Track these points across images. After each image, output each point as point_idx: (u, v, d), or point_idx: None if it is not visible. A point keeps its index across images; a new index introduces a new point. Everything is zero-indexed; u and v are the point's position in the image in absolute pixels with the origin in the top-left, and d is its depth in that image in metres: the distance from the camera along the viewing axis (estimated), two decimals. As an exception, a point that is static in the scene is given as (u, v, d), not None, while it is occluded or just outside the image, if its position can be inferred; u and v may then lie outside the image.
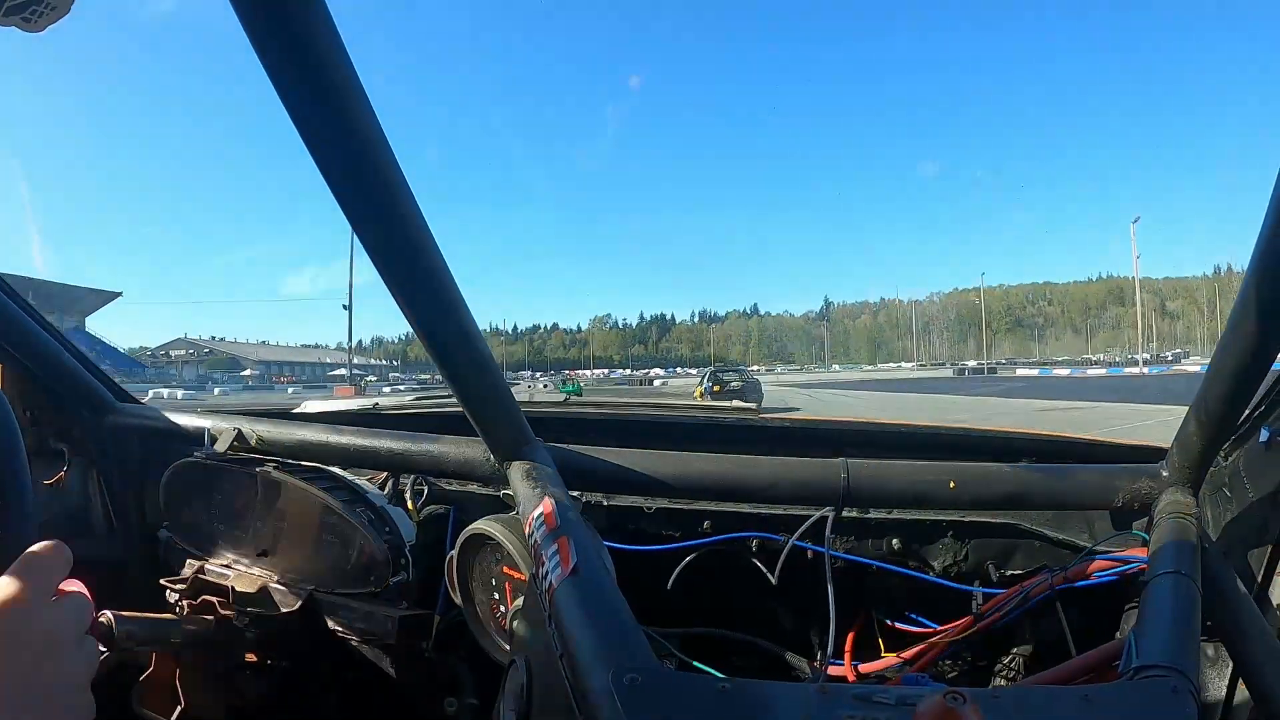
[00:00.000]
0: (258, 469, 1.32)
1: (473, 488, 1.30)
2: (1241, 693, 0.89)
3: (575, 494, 0.99)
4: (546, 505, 0.88)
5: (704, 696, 0.60)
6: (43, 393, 1.54)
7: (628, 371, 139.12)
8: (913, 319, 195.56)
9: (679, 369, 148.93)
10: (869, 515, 1.17)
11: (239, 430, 1.33)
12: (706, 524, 1.19)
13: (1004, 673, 1.12)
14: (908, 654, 1.11)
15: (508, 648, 1.09)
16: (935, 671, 1.07)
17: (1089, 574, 1.00)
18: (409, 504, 1.31)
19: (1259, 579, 0.99)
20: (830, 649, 0.93)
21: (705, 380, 28.93)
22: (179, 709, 1.36)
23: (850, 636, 1.16)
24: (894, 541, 1.18)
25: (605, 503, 1.21)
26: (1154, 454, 1.10)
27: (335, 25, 0.60)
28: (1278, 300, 0.72)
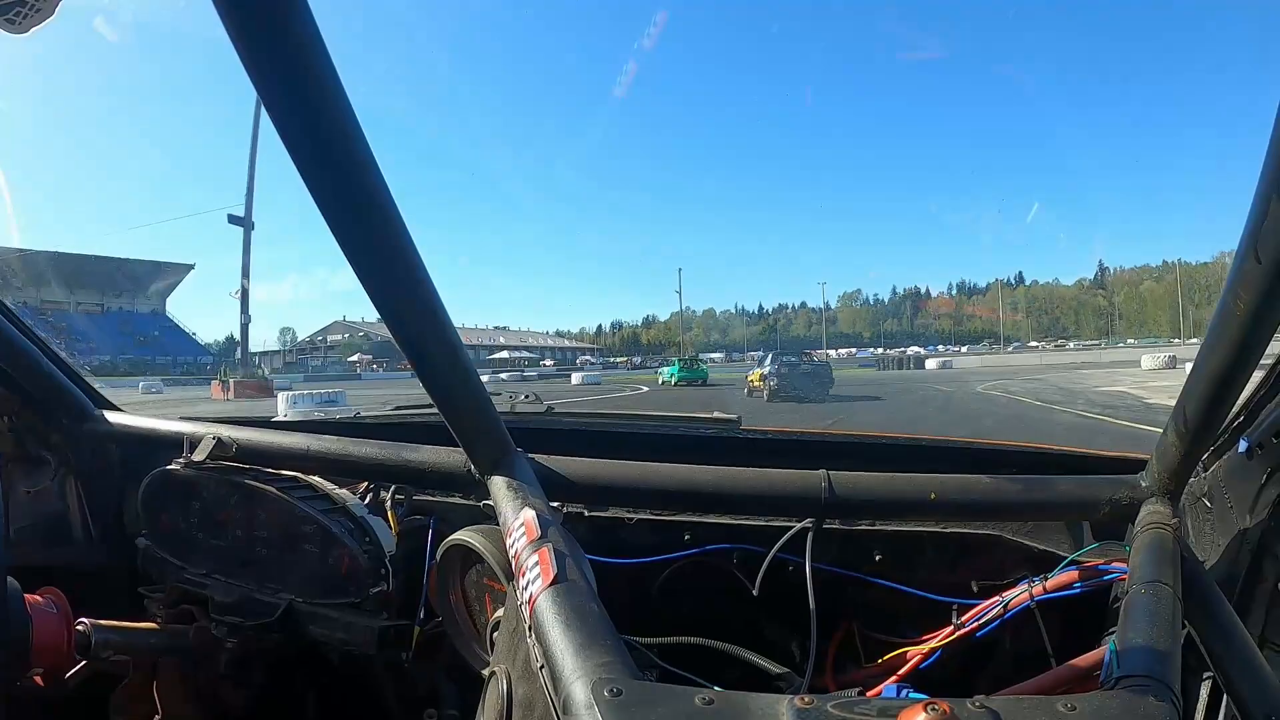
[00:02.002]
0: (237, 478, 1.31)
1: (453, 498, 1.29)
2: (1222, 702, 0.90)
3: (556, 505, 0.99)
4: (527, 516, 0.87)
5: (685, 707, 0.60)
6: (22, 399, 1.52)
7: (879, 350, 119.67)
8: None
9: (940, 347, 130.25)
10: (850, 527, 1.17)
11: (218, 438, 1.31)
12: (688, 536, 1.18)
13: (984, 683, 1.12)
14: (888, 664, 1.11)
15: (488, 659, 1.08)
16: (916, 682, 1.06)
17: (1069, 584, 1.00)
18: (389, 514, 1.29)
19: (1238, 589, 1.00)
20: (811, 660, 0.93)
21: (767, 364, 26.04)
22: (156, 718, 1.34)
23: (831, 647, 1.16)
24: (875, 553, 1.18)
25: (586, 514, 1.21)
26: (1134, 465, 1.11)
27: (319, 30, 0.60)
28: (1255, 311, 0.73)
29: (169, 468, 1.36)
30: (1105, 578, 0.98)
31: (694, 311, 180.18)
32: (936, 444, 1.39)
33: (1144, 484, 1.03)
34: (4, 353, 1.43)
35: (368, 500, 1.31)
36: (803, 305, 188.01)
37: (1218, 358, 0.81)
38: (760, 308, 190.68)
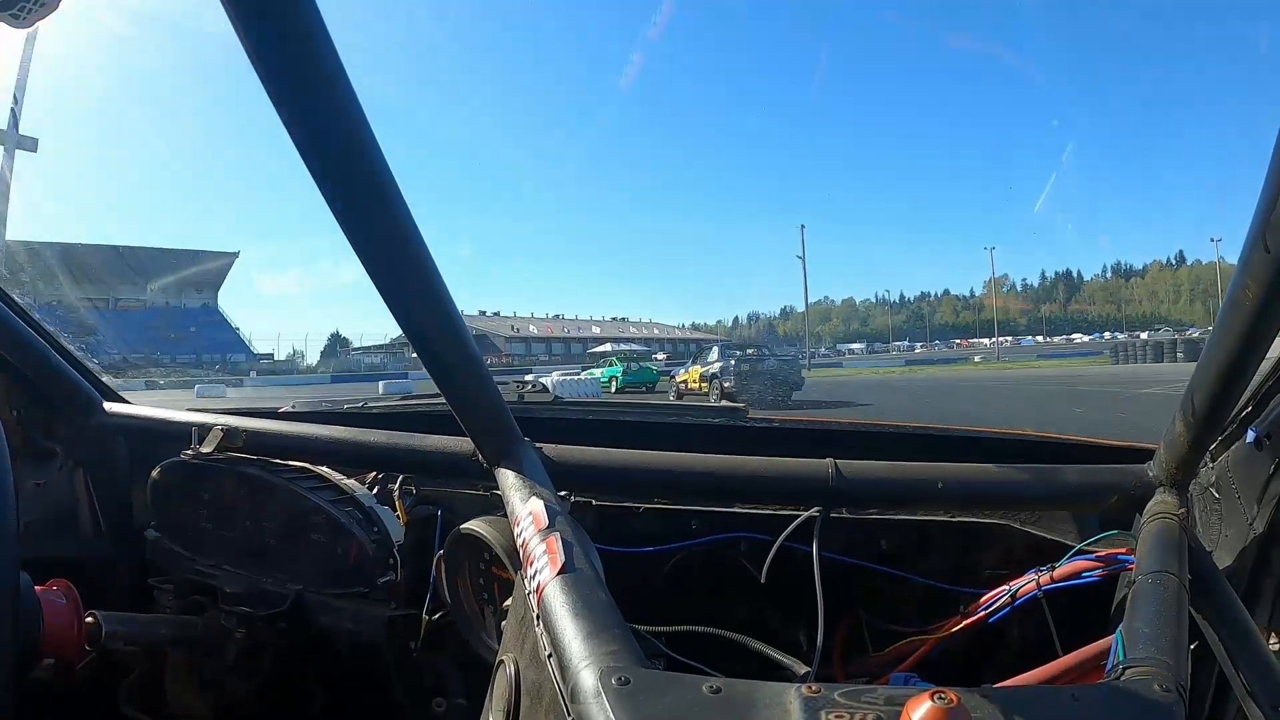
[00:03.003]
0: (245, 469, 1.31)
1: (461, 488, 1.29)
2: (1228, 691, 0.90)
3: (563, 494, 0.99)
4: (535, 505, 0.88)
5: (692, 696, 0.60)
6: (30, 392, 1.53)
7: (1039, 338, 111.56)
8: None
9: (1108, 334, 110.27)
10: (857, 515, 1.17)
11: (226, 429, 1.32)
12: (695, 524, 1.19)
13: (991, 672, 1.12)
14: (896, 653, 1.11)
15: (496, 648, 1.08)
16: (923, 671, 1.07)
17: (1076, 574, 1.00)
18: (397, 504, 1.30)
19: (1245, 578, 1.00)
20: (819, 649, 0.93)
21: (714, 359, 21.60)
22: (166, 709, 1.36)
23: (839, 636, 1.16)
24: (882, 541, 1.18)
25: (593, 503, 1.21)
26: (1142, 454, 1.11)
27: (324, 24, 0.60)
28: (1264, 301, 0.72)
29: (177, 459, 1.36)
30: (1112, 567, 0.98)
31: (832, 301, 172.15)
32: (944, 433, 1.39)
33: (1151, 474, 1.03)
34: (12, 346, 1.44)
35: (376, 490, 1.32)
36: (945, 293, 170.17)
37: (1226, 347, 0.80)
38: (902, 296, 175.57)
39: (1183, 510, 0.96)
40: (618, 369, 31.65)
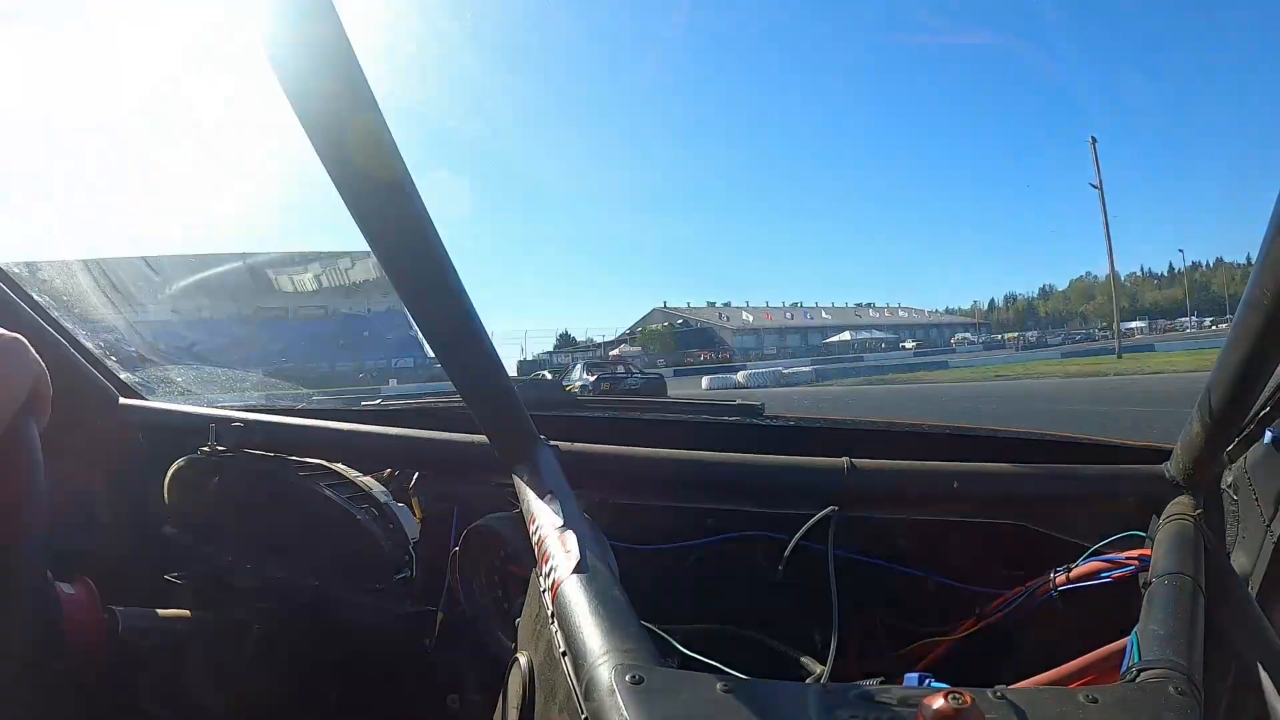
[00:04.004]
0: (262, 465, 1.32)
1: (477, 485, 1.30)
2: (1244, 695, 0.89)
3: (579, 492, 1.00)
4: (550, 503, 0.88)
5: (707, 694, 0.61)
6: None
7: None
8: None
9: None
10: (873, 514, 1.17)
11: (244, 425, 1.33)
12: (710, 522, 1.19)
13: (1006, 673, 1.12)
14: (911, 653, 1.11)
15: (511, 645, 1.09)
16: (938, 671, 1.07)
17: (1092, 575, 1.00)
18: (413, 501, 1.31)
19: (1262, 580, 0.99)
20: (834, 648, 0.94)
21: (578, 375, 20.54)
22: (184, 703, 1.37)
23: (854, 636, 1.16)
24: (898, 541, 1.18)
25: (609, 501, 1.22)
26: (1159, 455, 1.10)
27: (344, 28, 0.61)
28: None
29: (195, 455, 1.38)
30: (1128, 569, 0.98)
31: (1095, 277, 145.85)
32: (961, 431, 1.38)
33: (1168, 474, 1.03)
34: (30, 341, 1.45)
35: (392, 487, 1.33)
36: (1219, 260, 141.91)
37: (1243, 347, 0.80)
38: (1170, 267, 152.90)
39: (1199, 511, 0.96)
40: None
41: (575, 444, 1.09)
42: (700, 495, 1.16)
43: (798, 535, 1.05)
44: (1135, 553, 0.98)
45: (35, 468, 0.92)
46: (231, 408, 1.51)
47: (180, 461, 1.41)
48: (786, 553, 1.07)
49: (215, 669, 1.37)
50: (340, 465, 1.31)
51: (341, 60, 0.62)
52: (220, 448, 1.33)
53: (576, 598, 0.73)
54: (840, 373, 36.31)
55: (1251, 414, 0.99)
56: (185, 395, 1.87)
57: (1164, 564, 0.85)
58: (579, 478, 1.03)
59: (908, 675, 0.79)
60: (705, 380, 33.86)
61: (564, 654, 0.71)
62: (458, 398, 0.98)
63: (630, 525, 1.19)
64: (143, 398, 1.65)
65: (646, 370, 25.85)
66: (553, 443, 1.06)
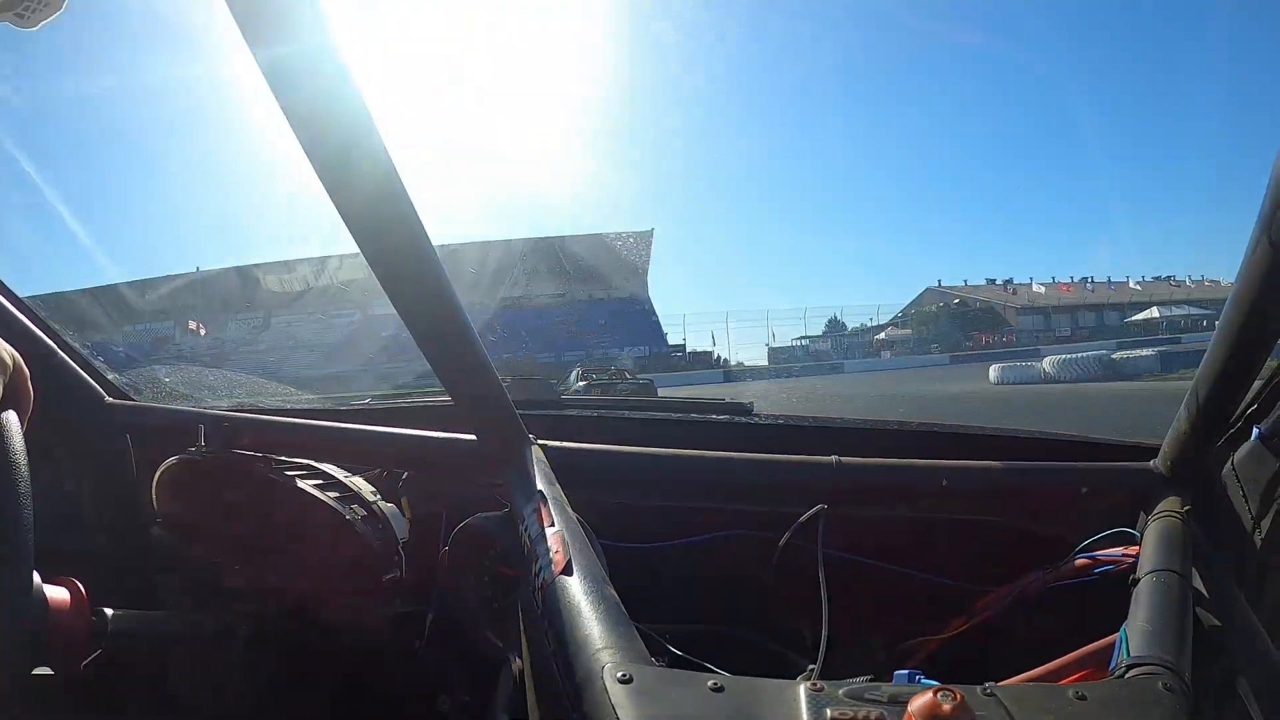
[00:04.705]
0: (251, 465, 1.31)
1: (466, 485, 1.30)
2: (1233, 690, 0.90)
3: (568, 491, 1.00)
4: (539, 502, 0.88)
5: (696, 693, 0.60)
6: (35, 387, 1.53)
7: None
8: None
9: None
10: (862, 512, 1.18)
11: (232, 426, 1.32)
12: (700, 520, 1.19)
13: (996, 670, 1.12)
14: (901, 651, 1.11)
15: (500, 645, 1.09)
16: (928, 669, 1.07)
17: (1081, 571, 1.00)
18: (402, 501, 1.30)
19: (1250, 577, 0.99)
20: (823, 646, 0.94)
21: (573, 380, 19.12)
22: (171, 705, 1.36)
23: (844, 634, 1.16)
24: (887, 539, 1.18)
25: (598, 500, 1.22)
26: (1147, 452, 1.10)
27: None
28: (1268, 300, 0.72)
29: (183, 455, 1.37)
30: (1117, 565, 0.98)
31: None
32: (949, 430, 1.39)
33: (1156, 472, 1.03)
34: (14, 342, 1.44)
35: (381, 487, 1.32)
36: None
37: (1231, 345, 0.81)
38: None
39: (1187, 508, 0.96)
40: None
41: (564, 443, 1.09)
42: (689, 494, 1.16)
43: (787, 534, 1.05)
44: (1124, 549, 0.99)
45: (19, 462, 0.91)
46: (220, 408, 1.50)
47: (169, 462, 1.40)
48: (776, 552, 1.07)
49: (204, 670, 1.36)
50: (329, 465, 1.30)
51: (328, 61, 0.62)
52: (209, 448, 1.32)
53: (566, 597, 0.73)
54: (1188, 359, 22.25)
55: (1239, 411, 1.00)
56: (174, 396, 1.85)
57: (1153, 561, 0.85)
58: (568, 476, 1.03)
59: (897, 672, 0.79)
60: (994, 370, 27.67)
61: (554, 653, 0.70)
62: (446, 397, 0.98)
63: (620, 524, 1.19)
64: (131, 398, 1.64)
65: (639, 376, 25.32)
66: (542, 441, 1.06)
